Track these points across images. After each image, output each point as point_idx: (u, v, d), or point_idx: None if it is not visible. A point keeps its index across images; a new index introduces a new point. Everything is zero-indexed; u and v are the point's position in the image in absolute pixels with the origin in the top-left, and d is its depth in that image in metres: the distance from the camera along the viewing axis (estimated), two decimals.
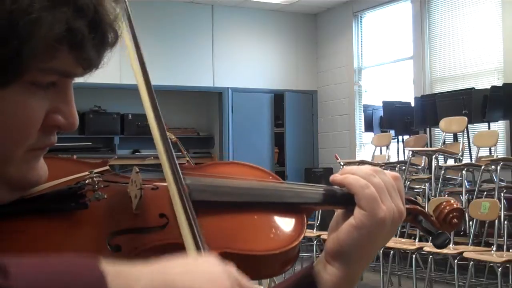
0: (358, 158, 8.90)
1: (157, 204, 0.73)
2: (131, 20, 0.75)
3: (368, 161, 8.08)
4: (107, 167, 0.78)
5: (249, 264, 0.71)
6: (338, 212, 0.81)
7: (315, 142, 10.61)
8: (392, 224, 0.76)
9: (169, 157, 0.68)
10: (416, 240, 6.11)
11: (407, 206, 0.81)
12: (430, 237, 0.85)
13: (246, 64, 10.18)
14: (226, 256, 0.69)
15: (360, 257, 0.77)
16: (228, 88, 10.12)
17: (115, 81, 8.49)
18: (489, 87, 6.99)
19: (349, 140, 9.92)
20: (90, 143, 9.47)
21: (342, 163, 8.19)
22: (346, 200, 0.78)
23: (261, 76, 10.29)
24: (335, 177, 0.80)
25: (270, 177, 0.84)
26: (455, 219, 0.84)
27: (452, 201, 0.86)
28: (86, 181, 0.72)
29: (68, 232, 0.68)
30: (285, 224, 0.76)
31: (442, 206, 0.85)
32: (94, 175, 0.73)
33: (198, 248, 0.61)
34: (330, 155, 9.83)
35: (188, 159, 5.56)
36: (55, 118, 0.66)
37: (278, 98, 10.41)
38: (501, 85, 7.11)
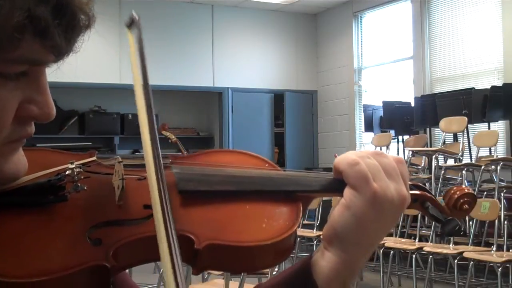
0: None
1: (141, 195, 0.69)
2: (142, 43, 0.72)
3: None
4: (94, 158, 0.76)
5: (241, 256, 0.69)
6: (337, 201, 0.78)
7: (315, 142, 10.61)
8: (392, 208, 0.72)
9: (153, 145, 0.65)
10: (416, 240, 6.11)
11: (414, 191, 0.77)
12: (439, 225, 0.81)
13: (246, 64, 10.18)
14: (215, 248, 0.67)
15: (356, 241, 0.73)
16: (228, 88, 10.12)
17: (115, 81, 8.49)
18: (489, 87, 7.00)
19: (349, 140, 9.92)
20: (90, 143, 9.47)
21: None
22: (341, 186, 0.74)
23: (261, 76, 10.29)
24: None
25: (267, 165, 0.81)
26: (466, 205, 0.79)
27: (463, 186, 0.82)
28: (67, 173, 0.70)
29: (46, 226, 0.66)
30: (279, 213, 0.72)
31: (452, 192, 0.81)
32: (74, 166, 0.70)
33: (170, 247, 0.58)
34: (330, 155, 9.83)
35: None
36: (29, 108, 0.63)
37: (278, 98, 10.41)
38: (501, 85, 7.12)
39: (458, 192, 0.80)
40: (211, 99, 10.49)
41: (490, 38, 7.77)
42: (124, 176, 0.70)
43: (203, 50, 9.86)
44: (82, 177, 0.70)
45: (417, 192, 0.79)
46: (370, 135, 8.95)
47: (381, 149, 8.29)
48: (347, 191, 0.72)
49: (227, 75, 10.04)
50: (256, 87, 10.27)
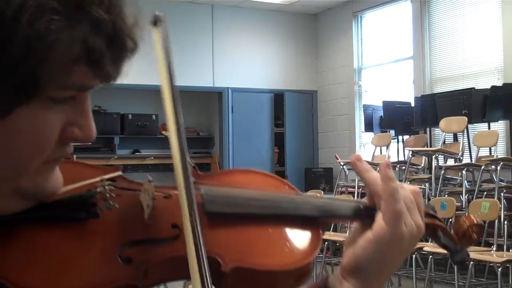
0: None
1: (169, 214, 0.70)
2: (169, 51, 0.73)
3: (368, 161, 8.08)
4: (119, 173, 0.76)
5: (265, 280, 0.70)
6: (355, 227, 0.79)
7: (315, 142, 10.61)
8: (411, 240, 0.75)
9: (184, 166, 0.67)
10: None
11: (426, 220, 0.79)
12: (449, 253, 0.84)
13: (246, 64, 10.17)
14: (241, 270, 0.68)
15: (377, 273, 0.75)
16: (228, 88, 10.12)
17: (115, 81, 8.47)
18: (489, 87, 6.99)
19: (349, 140, 9.92)
20: (90, 143, 9.47)
21: (342, 163, 8.20)
22: (363, 213, 0.77)
23: (261, 76, 10.29)
24: (368, 170, 0.77)
25: (286, 187, 0.82)
26: (474, 234, 0.83)
27: (472, 216, 0.85)
28: (97, 189, 0.70)
29: (78, 242, 0.66)
30: (301, 238, 0.74)
31: (462, 221, 0.84)
32: (106, 184, 0.71)
33: (200, 268, 0.60)
34: (330, 155, 9.83)
35: (188, 159, 5.57)
36: (71, 130, 0.64)
37: (278, 98, 10.40)
38: (501, 85, 7.11)
39: (467, 222, 0.83)
40: (211, 99, 10.49)
41: (490, 38, 7.77)
42: (155, 196, 0.70)
43: (203, 50, 9.86)
44: (113, 194, 0.70)
45: (429, 220, 0.81)
46: (370, 135, 8.95)
47: (381, 149, 8.30)
48: (377, 227, 0.74)
49: (227, 75, 10.04)
50: (256, 87, 10.27)
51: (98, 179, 0.72)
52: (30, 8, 0.55)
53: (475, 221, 0.84)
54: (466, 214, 0.87)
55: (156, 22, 0.74)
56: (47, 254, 0.64)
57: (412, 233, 0.74)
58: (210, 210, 0.72)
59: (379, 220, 0.74)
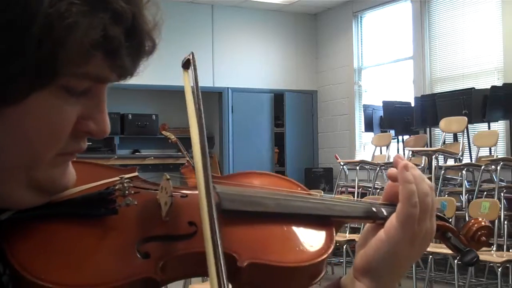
0: (358, 158, 8.90)
1: (186, 212, 0.73)
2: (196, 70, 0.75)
3: (368, 161, 8.09)
4: (136, 174, 0.78)
5: (280, 276, 0.71)
6: (366, 227, 0.81)
7: (315, 142, 10.61)
8: (422, 241, 0.76)
9: (205, 166, 0.68)
10: None
11: (437, 222, 0.81)
12: (459, 255, 0.85)
13: (246, 64, 10.17)
14: (257, 266, 0.69)
15: (389, 273, 0.76)
16: (228, 88, 10.12)
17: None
18: (489, 87, 7.00)
19: (349, 140, 9.92)
20: (90, 143, 9.41)
21: (342, 163, 8.20)
22: (376, 215, 0.78)
23: (261, 76, 10.29)
24: (395, 172, 0.77)
25: (299, 189, 0.84)
26: (483, 237, 0.85)
27: (480, 219, 0.87)
28: (116, 187, 0.72)
29: (98, 237, 0.68)
30: (315, 236, 0.76)
31: (471, 224, 0.86)
32: (125, 181, 0.72)
33: (216, 263, 0.61)
34: (330, 155, 9.83)
35: (188, 159, 5.54)
36: (86, 124, 0.65)
37: (278, 98, 10.41)
38: (501, 85, 7.12)
39: (476, 225, 0.85)
40: (211, 99, 10.49)
41: (490, 38, 7.77)
42: (173, 194, 0.72)
43: (203, 50, 9.85)
44: (132, 192, 0.72)
45: (440, 223, 0.83)
46: (370, 135, 8.95)
47: (381, 149, 8.30)
48: (391, 228, 0.75)
49: (227, 75, 10.04)
50: (256, 87, 10.27)
51: (117, 178, 0.74)
52: None
53: (483, 224, 0.85)
54: (477, 218, 0.89)
55: (187, 65, 0.78)
56: (67, 249, 0.66)
57: (424, 235, 0.75)
58: (227, 208, 0.73)
59: (393, 220, 0.75)
